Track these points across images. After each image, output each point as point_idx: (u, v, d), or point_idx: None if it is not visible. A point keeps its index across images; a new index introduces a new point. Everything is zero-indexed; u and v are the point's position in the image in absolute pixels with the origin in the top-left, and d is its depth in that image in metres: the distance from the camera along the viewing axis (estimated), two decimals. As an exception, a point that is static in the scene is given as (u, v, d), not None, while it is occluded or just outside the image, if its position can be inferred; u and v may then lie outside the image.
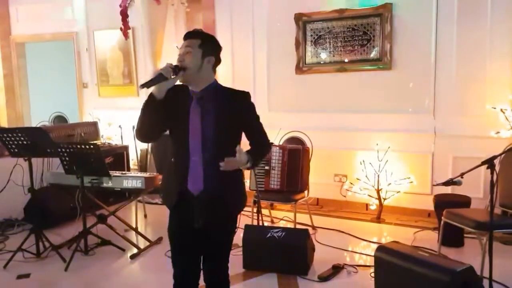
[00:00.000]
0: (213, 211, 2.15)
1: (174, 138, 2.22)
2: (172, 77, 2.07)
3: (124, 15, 5.89)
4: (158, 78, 2.04)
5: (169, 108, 2.12)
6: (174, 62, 2.18)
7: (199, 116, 2.13)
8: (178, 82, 2.16)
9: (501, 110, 4.25)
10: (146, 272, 3.80)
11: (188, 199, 2.17)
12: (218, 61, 2.22)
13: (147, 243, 4.22)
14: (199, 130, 2.12)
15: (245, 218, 2.39)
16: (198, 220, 2.16)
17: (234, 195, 2.24)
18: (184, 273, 2.30)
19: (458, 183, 2.82)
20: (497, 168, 3.12)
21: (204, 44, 2.15)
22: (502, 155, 3.35)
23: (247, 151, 2.14)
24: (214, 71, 2.23)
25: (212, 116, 2.13)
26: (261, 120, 2.33)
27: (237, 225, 2.36)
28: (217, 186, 2.14)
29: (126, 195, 5.13)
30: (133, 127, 5.58)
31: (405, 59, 4.81)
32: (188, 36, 2.18)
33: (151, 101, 2.09)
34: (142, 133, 2.21)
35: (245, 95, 2.23)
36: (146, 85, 2.05)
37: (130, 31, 6.08)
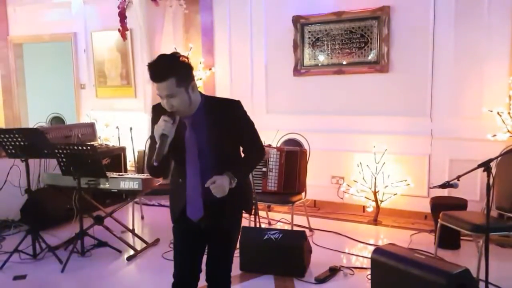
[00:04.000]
0: (216, 214, 2.17)
1: (176, 164, 2.23)
2: (173, 129, 2.01)
3: (122, 16, 5.88)
4: (165, 139, 1.99)
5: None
6: None
7: (195, 143, 2.12)
8: None
9: (498, 113, 4.27)
10: (142, 273, 3.79)
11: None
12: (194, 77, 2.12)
13: (144, 245, 4.22)
14: (196, 158, 2.12)
15: (242, 220, 2.43)
16: (202, 221, 2.19)
17: (237, 202, 2.24)
18: (184, 272, 2.29)
19: (454, 186, 2.83)
20: (493, 171, 3.14)
21: (181, 80, 1.99)
22: (499, 158, 3.35)
23: (231, 169, 2.09)
24: (197, 89, 2.14)
25: (207, 138, 2.11)
26: (259, 122, 2.33)
27: (240, 228, 2.38)
28: (218, 210, 2.16)
29: (123, 197, 5.12)
30: (131, 128, 5.62)
31: (403, 62, 4.83)
32: (159, 78, 1.96)
33: (161, 158, 1.99)
34: (162, 175, 2.29)
35: (235, 104, 2.17)
36: (160, 155, 1.98)
37: (128, 32, 6.07)
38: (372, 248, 3.60)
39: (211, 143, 2.12)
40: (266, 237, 3.55)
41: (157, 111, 2.12)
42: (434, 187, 2.96)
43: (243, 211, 2.37)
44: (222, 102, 2.20)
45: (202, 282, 2.32)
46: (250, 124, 2.23)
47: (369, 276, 3.21)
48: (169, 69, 1.97)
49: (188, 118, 2.12)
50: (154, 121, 2.10)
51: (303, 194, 4.43)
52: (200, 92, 2.18)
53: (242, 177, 2.16)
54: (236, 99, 2.22)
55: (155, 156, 1.97)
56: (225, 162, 2.13)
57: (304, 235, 3.59)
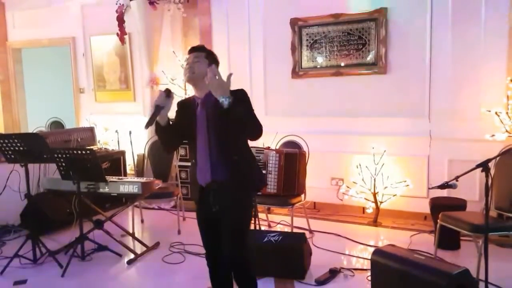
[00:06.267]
0: (225, 197, 2.44)
1: (188, 142, 2.57)
2: (167, 102, 2.38)
3: (120, 20, 5.90)
4: (157, 111, 2.33)
5: (180, 121, 2.51)
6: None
7: (204, 119, 2.45)
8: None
9: (496, 113, 4.28)
10: (143, 277, 3.79)
11: (206, 190, 2.49)
12: None
13: (144, 248, 4.22)
14: (205, 131, 2.43)
15: (251, 203, 2.56)
16: (214, 205, 2.48)
17: (242, 182, 2.47)
18: (210, 251, 2.62)
19: (453, 186, 2.83)
20: (492, 171, 3.15)
21: (209, 56, 2.52)
22: (497, 158, 3.36)
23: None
24: None
25: (215, 117, 2.38)
26: None
27: (252, 208, 2.66)
28: (224, 178, 2.43)
29: (123, 200, 5.13)
30: (130, 132, 5.62)
31: (400, 63, 4.84)
32: (194, 50, 2.53)
33: (158, 128, 2.46)
34: (167, 148, 2.68)
35: (240, 92, 2.43)
36: (150, 123, 2.33)
37: (126, 37, 6.09)
38: (372, 249, 3.61)
39: (217, 119, 2.37)
40: (266, 239, 3.55)
41: (181, 106, 2.59)
42: (433, 187, 2.97)
43: (252, 192, 2.66)
44: (230, 91, 2.43)
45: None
46: (250, 107, 2.42)
47: (369, 278, 3.21)
48: (205, 48, 2.58)
49: (201, 98, 2.48)
50: (178, 114, 2.59)
51: (302, 196, 4.44)
52: None
53: (237, 109, 2.23)
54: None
55: (146, 122, 2.33)
56: (230, 138, 2.41)
57: (304, 237, 3.60)
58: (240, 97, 2.34)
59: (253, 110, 2.43)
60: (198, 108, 2.47)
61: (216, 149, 2.42)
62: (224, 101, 2.19)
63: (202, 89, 2.46)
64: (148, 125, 2.32)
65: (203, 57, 2.48)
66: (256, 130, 2.39)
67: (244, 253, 2.52)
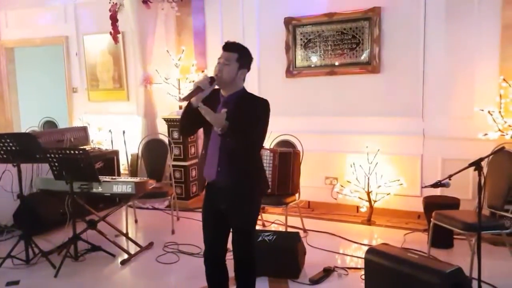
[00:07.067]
0: (232, 196, 2.52)
1: (204, 131, 2.64)
2: (209, 87, 2.42)
3: (113, 19, 5.87)
4: (197, 91, 2.40)
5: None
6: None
7: None
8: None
9: (489, 112, 4.30)
10: (136, 277, 3.78)
11: (213, 185, 2.58)
12: (248, 71, 2.61)
13: (138, 249, 4.20)
14: None
15: (259, 204, 2.62)
16: (222, 203, 2.55)
17: (247, 183, 2.54)
18: (210, 247, 2.67)
19: (446, 185, 2.84)
20: (485, 170, 3.16)
21: (241, 59, 2.51)
22: (490, 157, 3.38)
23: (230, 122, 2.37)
24: (244, 80, 2.60)
25: (232, 117, 2.41)
26: None
27: (258, 209, 2.75)
28: (230, 177, 2.50)
29: (116, 200, 5.10)
30: (124, 132, 5.61)
31: (394, 62, 4.86)
32: (228, 48, 2.52)
33: (189, 108, 2.48)
34: (184, 132, 2.86)
35: (262, 102, 2.54)
36: (186, 98, 2.42)
37: (120, 36, 6.07)
38: (366, 248, 3.61)
39: (233, 120, 2.41)
40: (260, 239, 3.55)
41: (206, 96, 2.47)
42: (426, 186, 2.98)
43: (257, 194, 2.67)
44: (254, 97, 2.61)
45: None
46: (261, 123, 2.52)
47: (363, 276, 3.21)
48: (238, 48, 2.55)
49: (224, 97, 2.55)
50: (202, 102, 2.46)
51: (297, 195, 4.44)
52: (243, 87, 2.61)
53: (229, 129, 2.35)
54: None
55: (185, 96, 2.43)
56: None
57: (298, 237, 3.60)
58: (257, 111, 2.46)
59: (262, 126, 2.51)
60: (220, 105, 2.53)
61: (226, 149, 2.46)
62: (218, 131, 2.35)
63: (227, 90, 2.54)
64: (184, 99, 2.43)
65: (234, 60, 2.49)
66: (245, 148, 2.49)
67: (251, 252, 2.65)
